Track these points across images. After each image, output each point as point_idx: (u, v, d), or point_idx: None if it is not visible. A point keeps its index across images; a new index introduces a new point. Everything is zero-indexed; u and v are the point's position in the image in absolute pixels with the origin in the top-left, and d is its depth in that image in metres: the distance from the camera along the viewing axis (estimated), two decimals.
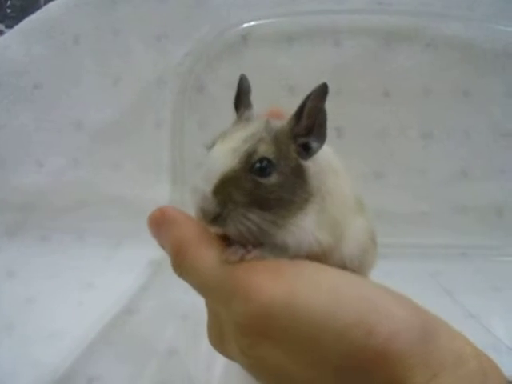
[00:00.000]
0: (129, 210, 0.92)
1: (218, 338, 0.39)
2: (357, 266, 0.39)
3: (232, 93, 0.89)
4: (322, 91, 0.34)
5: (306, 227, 0.34)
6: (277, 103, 0.91)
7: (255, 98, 0.90)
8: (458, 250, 0.95)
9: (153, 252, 0.88)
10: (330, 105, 0.98)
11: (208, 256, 0.34)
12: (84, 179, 0.92)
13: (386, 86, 0.91)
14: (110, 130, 0.92)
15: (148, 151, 0.92)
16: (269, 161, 0.33)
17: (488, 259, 0.94)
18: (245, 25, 0.89)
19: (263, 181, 0.33)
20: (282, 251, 0.34)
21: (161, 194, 0.92)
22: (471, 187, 0.96)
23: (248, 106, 0.40)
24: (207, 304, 0.42)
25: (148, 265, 0.87)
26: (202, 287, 0.35)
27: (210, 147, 0.35)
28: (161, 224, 0.38)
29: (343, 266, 0.38)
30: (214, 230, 0.35)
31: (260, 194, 0.32)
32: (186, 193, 0.94)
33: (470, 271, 0.91)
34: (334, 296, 0.30)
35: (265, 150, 0.33)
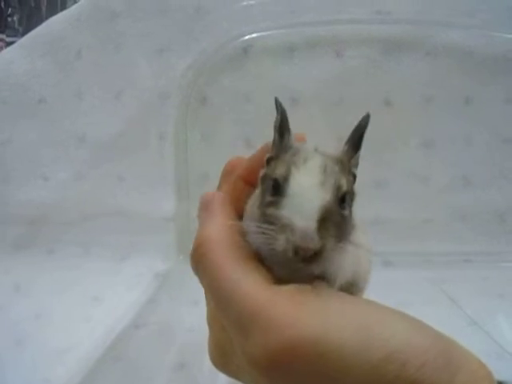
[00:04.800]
0: (134, 223, 0.93)
1: (221, 358, 0.39)
2: (352, 284, 0.39)
3: (234, 104, 0.90)
4: (368, 121, 0.35)
5: (349, 256, 0.34)
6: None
7: (257, 109, 0.91)
8: (461, 257, 0.96)
9: (159, 265, 0.89)
10: (331, 115, 0.98)
11: (228, 266, 0.32)
12: (89, 193, 0.93)
13: (387, 95, 0.91)
14: (114, 144, 0.93)
15: (152, 164, 0.93)
16: (348, 193, 0.33)
17: (491, 266, 0.95)
18: (246, 37, 0.89)
19: (345, 213, 0.32)
20: (333, 282, 0.34)
21: (166, 206, 0.93)
22: (473, 194, 0.96)
23: (290, 130, 0.37)
24: (208, 319, 0.41)
25: (154, 278, 0.88)
26: (213, 297, 0.33)
27: (280, 178, 0.32)
28: (204, 210, 0.37)
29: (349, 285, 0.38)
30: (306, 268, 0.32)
31: (343, 226, 0.32)
32: (191, 205, 0.95)
33: (473, 278, 0.91)
34: (365, 329, 0.29)
35: (345, 183, 0.33)
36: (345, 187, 0.32)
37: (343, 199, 0.32)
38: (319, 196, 0.31)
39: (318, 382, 0.30)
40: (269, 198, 0.32)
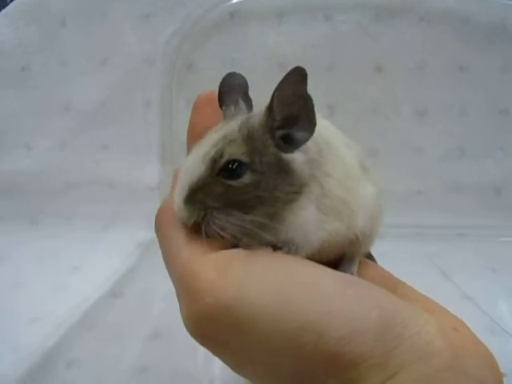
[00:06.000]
0: (118, 192, 0.91)
1: None
2: (369, 234, 0.38)
3: (221, 70, 0.87)
4: (297, 76, 0.31)
5: (306, 221, 0.33)
6: (267, 80, 0.90)
7: (244, 75, 0.89)
8: (455, 230, 0.93)
9: (142, 234, 0.87)
10: (321, 81, 0.96)
11: (173, 237, 0.33)
12: (72, 162, 0.91)
13: (378, 62, 0.88)
14: (98, 111, 0.91)
15: (137, 131, 0.91)
16: (238, 162, 0.31)
17: (486, 240, 0.92)
18: (233, 1, 0.87)
19: (233, 183, 0.31)
20: (294, 251, 0.33)
21: (150, 174, 0.91)
22: (468, 165, 0.93)
23: (229, 104, 0.37)
24: None
25: (136, 247, 0.86)
26: (163, 260, 0.35)
27: (188, 154, 0.34)
28: (172, 179, 0.39)
29: (354, 238, 0.36)
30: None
31: (232, 197, 0.31)
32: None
33: (467, 252, 0.88)
34: (282, 297, 0.28)
35: (232, 151, 0.32)
36: (229, 156, 0.31)
37: (231, 168, 0.31)
38: (191, 171, 0.32)
39: (241, 350, 0.29)
40: None
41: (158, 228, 0.35)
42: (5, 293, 0.76)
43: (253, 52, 0.88)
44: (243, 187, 0.31)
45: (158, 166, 0.92)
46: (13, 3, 0.94)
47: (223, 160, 0.31)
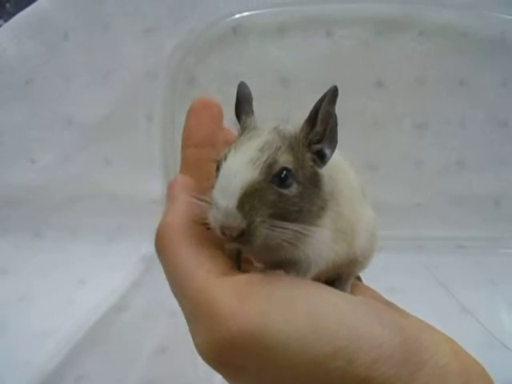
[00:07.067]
0: (121, 205, 0.91)
1: None
2: (367, 256, 0.39)
3: (223, 84, 0.89)
4: (333, 95, 0.33)
5: (323, 239, 0.33)
6: (268, 95, 0.91)
7: None
8: (454, 242, 0.94)
9: (146, 248, 0.88)
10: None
11: (182, 257, 0.32)
12: (76, 175, 0.92)
13: (379, 76, 0.89)
14: (101, 125, 0.91)
15: (139, 145, 0.91)
16: (289, 171, 0.31)
17: (485, 251, 0.93)
18: (235, 16, 0.88)
19: (285, 192, 0.31)
20: (305, 269, 0.33)
21: (153, 188, 0.91)
22: (467, 178, 0.94)
23: (249, 113, 0.37)
24: None
25: (140, 261, 0.87)
26: (170, 287, 0.33)
27: (221, 160, 0.32)
28: (167, 195, 0.37)
29: (354, 259, 0.37)
30: (232, 247, 0.33)
31: (282, 206, 0.30)
32: None
33: (466, 264, 0.90)
34: (311, 322, 0.27)
35: (284, 159, 0.31)
36: (283, 163, 0.31)
37: (283, 177, 0.31)
38: (243, 174, 0.30)
39: (263, 377, 0.28)
40: (214, 180, 0.32)
41: (161, 245, 0.33)
42: (10, 306, 0.77)
43: (255, 67, 0.89)
44: (292, 198, 0.31)
45: (160, 179, 0.92)
46: (15, 17, 0.94)
47: (278, 166, 0.31)
